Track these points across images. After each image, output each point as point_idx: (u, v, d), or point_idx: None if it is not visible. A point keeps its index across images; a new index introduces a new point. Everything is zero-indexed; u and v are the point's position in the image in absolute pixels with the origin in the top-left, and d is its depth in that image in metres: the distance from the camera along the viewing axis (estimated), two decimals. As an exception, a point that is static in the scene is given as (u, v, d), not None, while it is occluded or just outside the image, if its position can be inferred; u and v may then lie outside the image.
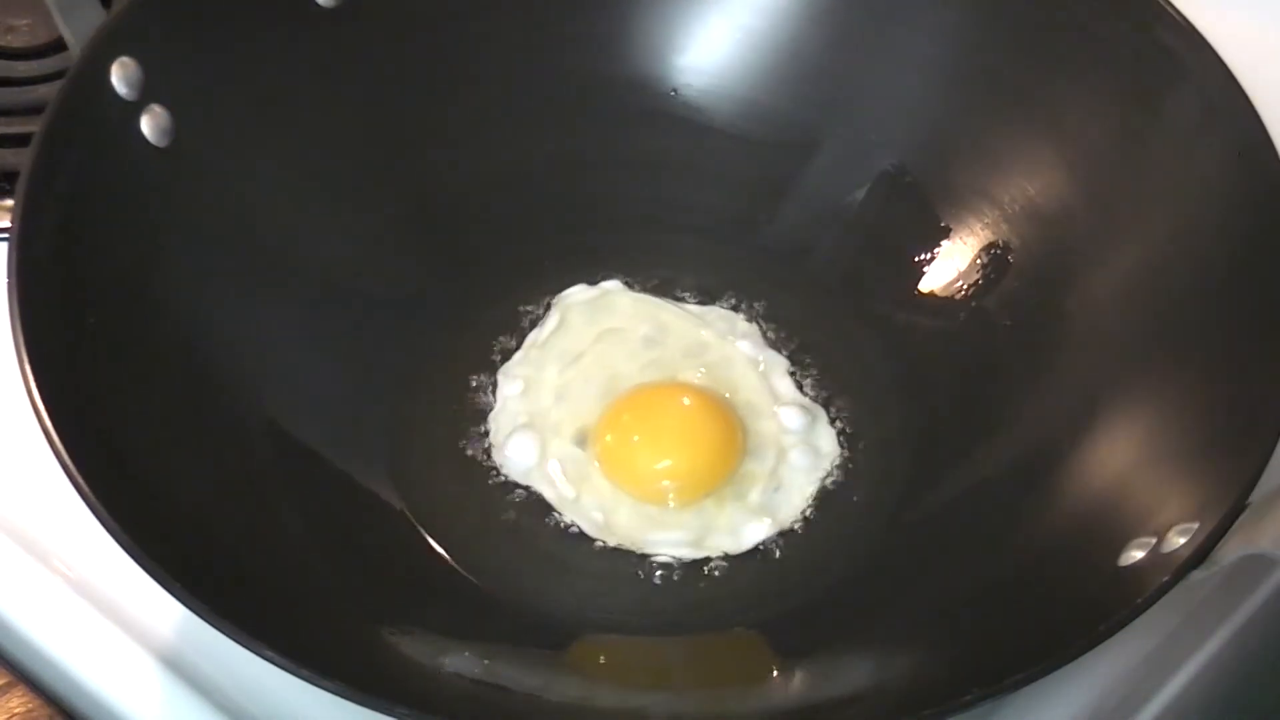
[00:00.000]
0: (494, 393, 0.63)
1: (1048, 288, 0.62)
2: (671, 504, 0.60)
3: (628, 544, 0.59)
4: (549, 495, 0.60)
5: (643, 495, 0.60)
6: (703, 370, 0.63)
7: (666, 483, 0.60)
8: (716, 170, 0.68)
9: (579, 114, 0.68)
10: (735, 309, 0.65)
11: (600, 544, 0.59)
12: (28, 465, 0.56)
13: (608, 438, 0.61)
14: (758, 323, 0.65)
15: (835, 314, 0.65)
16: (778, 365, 0.64)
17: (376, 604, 0.54)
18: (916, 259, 0.65)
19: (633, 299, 0.65)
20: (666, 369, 0.63)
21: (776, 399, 0.63)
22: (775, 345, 0.64)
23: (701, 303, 0.66)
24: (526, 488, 0.60)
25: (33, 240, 0.52)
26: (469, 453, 0.61)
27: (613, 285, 0.66)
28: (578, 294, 0.65)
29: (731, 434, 0.61)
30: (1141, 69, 0.60)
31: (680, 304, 0.66)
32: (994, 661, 0.48)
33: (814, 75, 0.67)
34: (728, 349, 0.64)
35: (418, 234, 0.65)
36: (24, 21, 0.73)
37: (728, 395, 0.63)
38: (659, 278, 0.66)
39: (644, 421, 0.61)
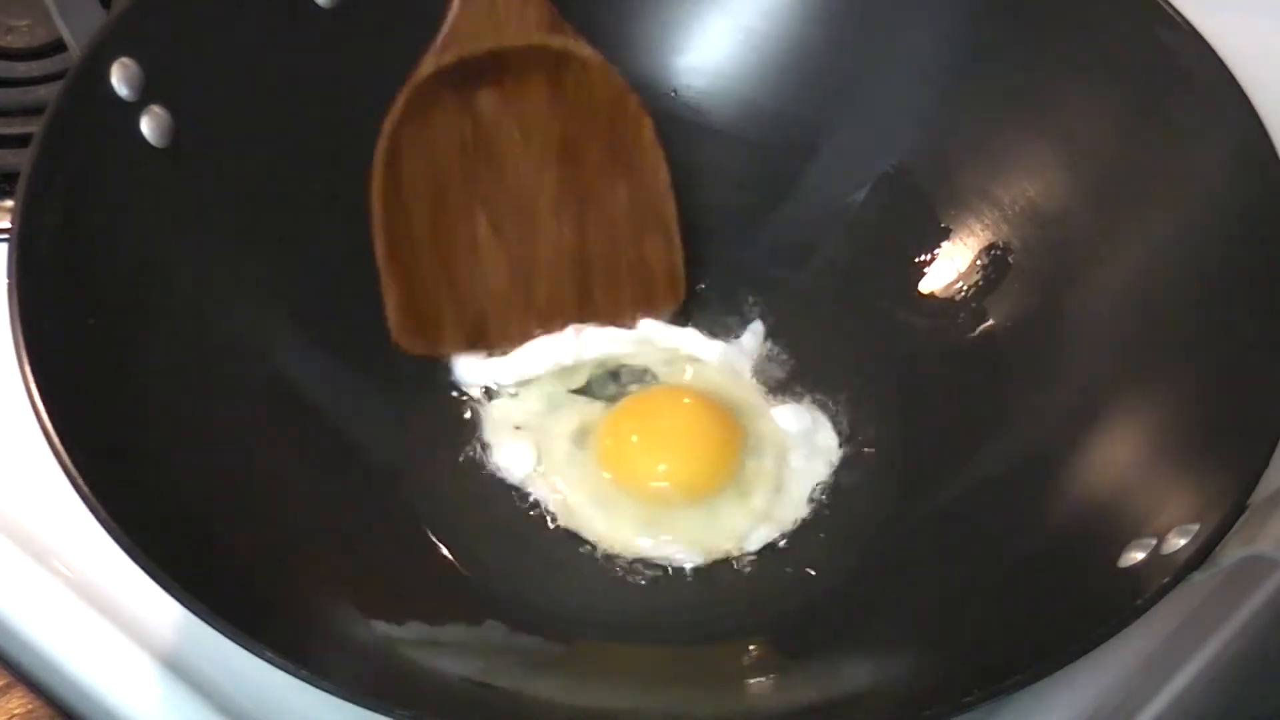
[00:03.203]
0: (493, 394, 0.63)
1: (1048, 288, 0.62)
2: (672, 506, 0.60)
3: (625, 546, 0.59)
4: (545, 498, 0.60)
5: (643, 497, 0.60)
6: (694, 371, 0.64)
7: (667, 485, 0.60)
8: (716, 170, 0.68)
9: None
10: (736, 309, 0.66)
11: (599, 546, 0.59)
12: (28, 465, 0.56)
13: (608, 440, 0.61)
14: (760, 322, 0.65)
15: (836, 314, 0.65)
16: (778, 365, 0.64)
17: (376, 604, 0.54)
18: (916, 259, 0.65)
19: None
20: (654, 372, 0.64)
21: (775, 400, 0.63)
22: (776, 344, 0.65)
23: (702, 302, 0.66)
24: (526, 490, 0.60)
25: (33, 240, 0.52)
26: (469, 454, 0.61)
27: None
28: None
29: (732, 436, 0.61)
30: (1141, 69, 0.60)
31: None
32: (994, 661, 0.48)
33: (814, 76, 0.67)
34: (718, 354, 0.64)
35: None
36: (24, 22, 0.73)
37: (725, 397, 0.63)
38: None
39: (645, 424, 0.61)
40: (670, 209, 0.62)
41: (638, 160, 0.62)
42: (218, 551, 0.51)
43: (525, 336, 0.64)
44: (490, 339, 0.63)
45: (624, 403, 0.62)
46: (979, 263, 0.64)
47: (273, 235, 0.61)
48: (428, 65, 0.59)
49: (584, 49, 0.60)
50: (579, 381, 0.63)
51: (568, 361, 0.63)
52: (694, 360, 0.64)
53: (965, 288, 0.64)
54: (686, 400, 0.62)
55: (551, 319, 0.64)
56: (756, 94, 0.68)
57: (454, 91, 0.60)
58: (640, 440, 0.61)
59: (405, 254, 0.61)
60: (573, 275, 0.63)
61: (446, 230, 0.62)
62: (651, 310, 0.64)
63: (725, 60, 0.68)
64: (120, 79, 0.56)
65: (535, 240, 0.63)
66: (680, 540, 0.59)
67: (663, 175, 0.62)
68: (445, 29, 0.58)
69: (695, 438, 0.61)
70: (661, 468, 0.60)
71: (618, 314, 0.64)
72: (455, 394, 0.63)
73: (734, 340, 0.65)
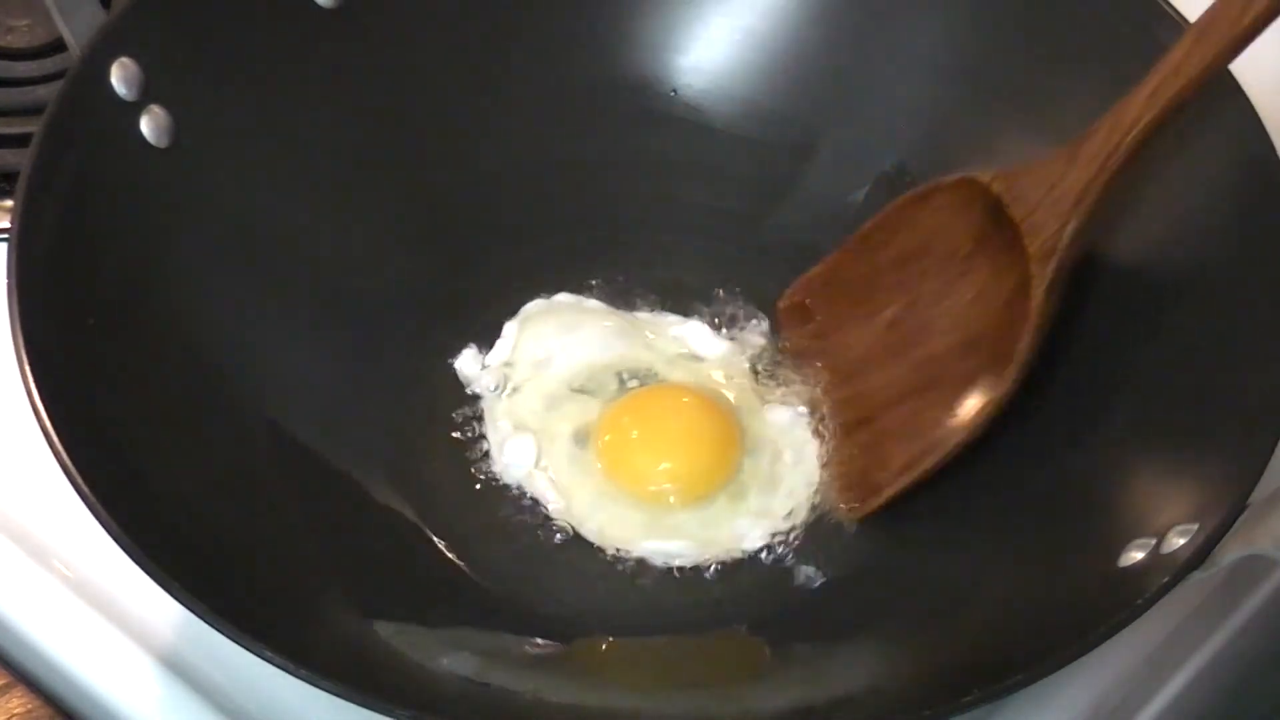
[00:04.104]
0: (494, 392, 0.63)
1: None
2: (672, 504, 0.59)
3: (624, 545, 0.59)
4: (545, 497, 0.60)
5: (642, 496, 0.60)
6: (695, 370, 0.63)
7: (667, 485, 0.60)
8: (716, 170, 0.68)
9: (579, 114, 0.68)
10: (736, 308, 0.66)
11: (598, 545, 0.59)
12: (28, 465, 0.56)
13: (607, 438, 0.61)
14: (760, 320, 0.65)
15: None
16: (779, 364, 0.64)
17: (376, 604, 0.54)
18: (916, 259, 0.65)
19: (601, 313, 0.65)
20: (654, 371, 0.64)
21: (775, 399, 0.63)
22: (778, 343, 0.65)
23: (701, 302, 0.66)
24: (525, 489, 0.60)
25: (33, 240, 0.52)
26: (468, 453, 0.61)
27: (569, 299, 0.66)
28: (536, 307, 0.65)
29: (732, 435, 0.61)
30: (1141, 69, 0.60)
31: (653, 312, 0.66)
32: (994, 661, 0.48)
33: (814, 75, 0.67)
34: (721, 351, 0.64)
35: (417, 234, 0.65)
36: (24, 22, 0.73)
37: (725, 395, 0.63)
38: (658, 278, 0.66)
39: (645, 422, 0.61)
40: (927, 466, 0.58)
41: (965, 413, 0.58)
42: (218, 551, 0.51)
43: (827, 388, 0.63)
44: (804, 369, 0.64)
45: (624, 400, 0.62)
46: (979, 263, 0.64)
47: (273, 235, 0.61)
48: (969, 180, 0.59)
49: (1038, 294, 0.56)
50: (580, 379, 0.63)
51: (575, 361, 0.63)
52: (695, 359, 0.64)
53: (965, 288, 0.64)
54: (687, 399, 0.62)
55: (843, 412, 0.62)
56: (756, 94, 0.68)
57: (966, 203, 0.59)
58: (640, 439, 0.61)
59: (839, 265, 0.63)
60: (860, 417, 0.61)
61: (870, 283, 0.62)
62: (843, 497, 0.60)
63: (725, 60, 0.68)
64: (120, 79, 0.56)
65: (890, 362, 0.62)
66: (680, 539, 0.59)
67: (950, 446, 0.58)
68: (1008, 172, 0.57)
69: (695, 437, 0.61)
70: (661, 467, 0.60)
71: (846, 472, 0.61)
72: (456, 392, 0.63)
73: (735, 338, 0.65)
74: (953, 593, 0.55)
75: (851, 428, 0.61)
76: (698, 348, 0.64)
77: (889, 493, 0.58)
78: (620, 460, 0.60)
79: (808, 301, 0.64)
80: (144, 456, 0.52)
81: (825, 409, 0.62)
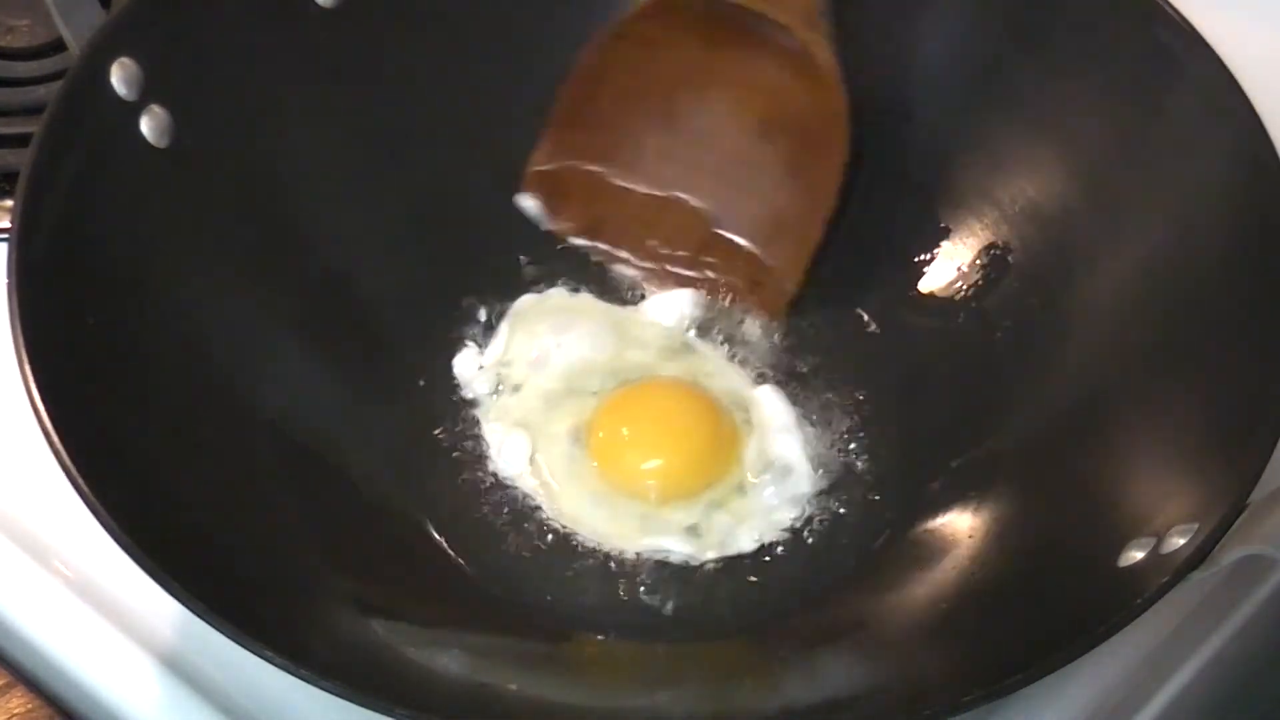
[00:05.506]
0: (494, 391, 0.63)
1: (1048, 288, 0.62)
2: (664, 500, 0.59)
3: (621, 544, 0.59)
4: (540, 496, 0.60)
5: (636, 493, 0.60)
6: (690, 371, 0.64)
7: (660, 480, 0.60)
8: (716, 170, 0.68)
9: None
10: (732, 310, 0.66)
11: (593, 543, 0.59)
12: (28, 465, 0.56)
13: (600, 434, 0.61)
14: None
15: (835, 314, 0.65)
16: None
17: (375, 603, 0.54)
18: (916, 259, 0.65)
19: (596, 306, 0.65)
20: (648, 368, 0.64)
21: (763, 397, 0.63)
22: (775, 344, 0.65)
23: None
24: (523, 488, 0.60)
25: (33, 240, 0.52)
26: (466, 453, 0.61)
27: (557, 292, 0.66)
28: (528, 303, 0.65)
29: (725, 432, 0.61)
30: (1141, 69, 0.60)
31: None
32: (994, 661, 0.48)
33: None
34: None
35: (417, 233, 0.65)
36: (24, 22, 0.73)
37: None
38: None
39: (638, 418, 0.61)
40: (815, 237, 0.60)
41: (817, 179, 0.59)
42: (217, 551, 0.51)
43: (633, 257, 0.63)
44: (602, 237, 0.64)
45: (617, 396, 0.62)
46: (979, 262, 0.64)
47: (273, 234, 0.61)
48: None
49: (824, 53, 0.57)
50: (578, 378, 0.63)
51: (571, 358, 0.64)
52: (688, 350, 0.64)
53: (965, 288, 0.64)
54: (680, 395, 0.62)
55: (658, 259, 0.63)
56: (757, 94, 0.68)
57: (699, 20, 0.58)
58: (632, 435, 0.61)
59: (578, 124, 0.63)
60: (697, 240, 0.62)
61: (621, 127, 0.62)
62: (746, 303, 0.63)
63: (725, 60, 0.68)
64: (120, 79, 0.56)
65: (687, 186, 0.61)
66: (676, 538, 0.59)
67: (826, 210, 0.59)
68: None
69: (689, 433, 0.61)
70: (654, 464, 0.60)
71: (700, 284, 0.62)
72: (455, 392, 0.63)
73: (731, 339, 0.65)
74: (952, 593, 0.55)
75: (700, 249, 0.61)
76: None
77: (795, 281, 0.60)
78: (613, 457, 0.60)
79: (561, 166, 0.63)
80: (144, 456, 0.52)
81: (657, 250, 0.61)
